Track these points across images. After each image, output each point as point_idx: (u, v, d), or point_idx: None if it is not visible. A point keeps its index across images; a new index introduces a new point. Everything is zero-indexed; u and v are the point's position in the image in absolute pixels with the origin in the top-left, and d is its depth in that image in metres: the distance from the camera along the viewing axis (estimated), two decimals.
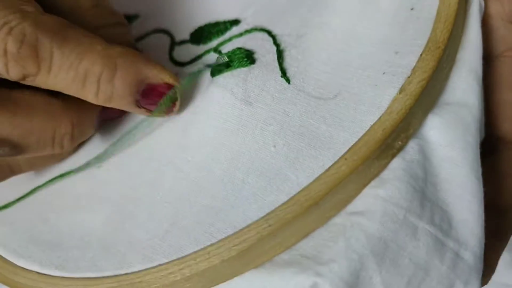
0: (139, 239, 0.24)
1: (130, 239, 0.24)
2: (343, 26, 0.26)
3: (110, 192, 0.26)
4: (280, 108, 0.25)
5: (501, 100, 0.27)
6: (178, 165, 0.25)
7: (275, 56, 0.26)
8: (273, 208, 0.22)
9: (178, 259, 0.23)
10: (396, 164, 0.23)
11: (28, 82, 0.24)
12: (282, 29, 0.27)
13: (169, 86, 0.25)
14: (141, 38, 0.32)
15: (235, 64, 0.26)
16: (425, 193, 0.22)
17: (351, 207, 0.22)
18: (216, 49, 0.28)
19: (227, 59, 0.26)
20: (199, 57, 0.29)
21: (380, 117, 0.23)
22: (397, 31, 0.25)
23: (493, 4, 0.26)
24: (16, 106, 0.24)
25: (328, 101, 0.24)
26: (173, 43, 0.30)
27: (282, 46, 0.26)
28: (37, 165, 0.28)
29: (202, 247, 0.22)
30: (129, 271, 0.23)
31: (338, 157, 0.22)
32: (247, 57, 0.26)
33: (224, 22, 0.29)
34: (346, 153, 0.22)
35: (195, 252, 0.22)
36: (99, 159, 0.27)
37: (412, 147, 0.23)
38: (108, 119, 0.28)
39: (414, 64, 0.23)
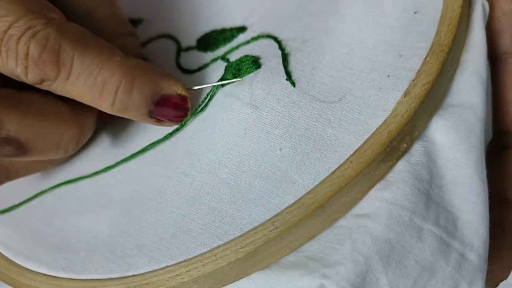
0: (146, 242, 0.24)
1: (137, 242, 0.24)
2: (347, 30, 0.26)
3: (117, 195, 0.26)
4: (285, 111, 0.25)
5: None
6: (185, 170, 0.25)
7: (281, 60, 0.26)
8: (280, 210, 0.22)
9: (185, 261, 0.23)
10: (401, 166, 0.23)
11: (43, 86, 0.24)
12: (288, 34, 0.27)
13: (182, 98, 0.26)
14: (145, 43, 0.32)
15: (242, 73, 0.26)
16: (430, 195, 0.23)
17: (356, 210, 0.23)
18: (224, 57, 0.28)
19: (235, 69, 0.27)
20: (206, 65, 0.29)
21: (385, 120, 0.23)
22: (401, 35, 0.25)
23: (505, 3, 0.26)
24: (27, 107, 0.24)
25: (333, 104, 0.24)
26: (180, 50, 0.30)
27: (288, 50, 0.26)
28: (34, 170, 0.28)
29: (209, 249, 0.23)
30: (136, 273, 0.24)
31: (343, 160, 0.22)
32: (254, 63, 0.26)
33: (231, 29, 0.29)
34: (351, 155, 0.22)
35: (202, 254, 0.23)
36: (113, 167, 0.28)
37: (417, 149, 0.23)
38: (101, 122, 0.28)
39: (419, 67, 0.24)
